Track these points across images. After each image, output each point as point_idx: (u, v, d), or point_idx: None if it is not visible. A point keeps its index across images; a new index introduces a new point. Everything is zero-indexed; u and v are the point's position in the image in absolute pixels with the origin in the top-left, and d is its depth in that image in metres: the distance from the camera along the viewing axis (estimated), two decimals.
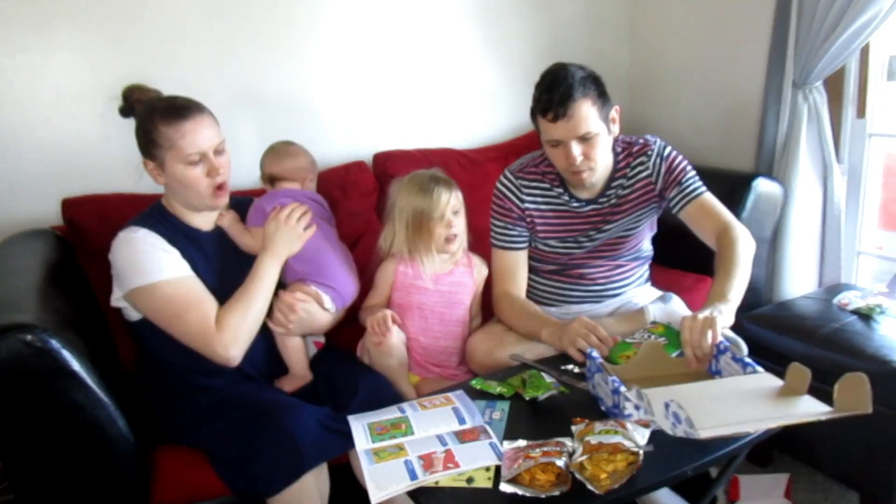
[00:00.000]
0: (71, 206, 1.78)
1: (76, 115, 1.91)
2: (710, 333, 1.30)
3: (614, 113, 1.64)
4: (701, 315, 1.33)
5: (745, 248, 1.54)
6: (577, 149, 1.57)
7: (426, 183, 1.71)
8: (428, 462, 1.15)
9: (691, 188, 1.68)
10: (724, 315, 1.37)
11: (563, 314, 1.81)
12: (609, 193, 1.72)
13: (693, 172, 1.71)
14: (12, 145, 1.86)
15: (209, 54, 2.06)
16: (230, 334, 1.45)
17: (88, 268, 1.70)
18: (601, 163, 1.63)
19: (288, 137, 2.16)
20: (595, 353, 1.33)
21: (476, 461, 1.15)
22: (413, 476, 1.12)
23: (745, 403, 1.15)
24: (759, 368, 1.26)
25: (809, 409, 1.12)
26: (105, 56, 1.92)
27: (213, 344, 1.44)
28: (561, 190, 1.73)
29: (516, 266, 1.77)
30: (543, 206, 1.74)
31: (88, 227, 1.75)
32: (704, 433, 1.01)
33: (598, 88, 1.58)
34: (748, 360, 1.27)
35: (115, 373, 1.52)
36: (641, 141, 1.74)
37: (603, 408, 1.29)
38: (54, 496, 1.33)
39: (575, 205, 1.73)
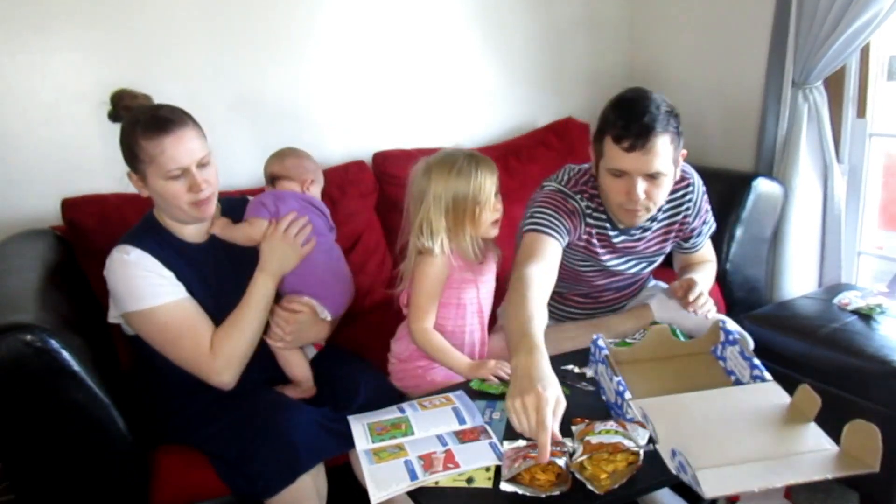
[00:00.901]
0: (71, 207, 1.78)
1: (76, 115, 1.91)
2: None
3: (680, 156, 1.51)
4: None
5: (711, 271, 1.71)
6: (641, 185, 1.42)
7: (464, 164, 1.52)
8: (428, 462, 1.15)
9: (699, 243, 1.73)
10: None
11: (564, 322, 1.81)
12: (642, 225, 1.60)
13: (710, 216, 1.72)
14: (12, 145, 1.86)
15: (209, 54, 2.06)
16: (224, 360, 1.45)
17: (88, 268, 1.70)
18: (659, 205, 1.51)
19: (287, 137, 2.15)
20: (602, 342, 1.31)
21: (476, 461, 1.14)
22: (413, 476, 1.12)
23: (751, 432, 1.11)
24: (767, 375, 1.24)
25: (815, 446, 1.09)
26: (105, 56, 1.92)
27: (207, 370, 1.45)
28: (604, 216, 1.58)
29: (551, 255, 1.45)
30: (591, 228, 1.59)
31: (88, 228, 1.75)
32: (710, 492, 0.99)
33: (677, 127, 1.43)
34: (756, 361, 1.26)
35: (115, 373, 1.52)
36: (679, 174, 1.59)
37: (603, 397, 1.28)
38: (54, 496, 1.33)
39: (611, 233, 1.60)
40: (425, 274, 1.54)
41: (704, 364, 1.35)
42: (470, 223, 1.53)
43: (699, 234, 1.71)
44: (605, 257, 1.62)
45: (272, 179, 1.73)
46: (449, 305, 1.60)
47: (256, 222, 1.57)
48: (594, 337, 1.35)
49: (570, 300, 1.78)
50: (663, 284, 1.83)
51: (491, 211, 1.54)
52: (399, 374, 1.66)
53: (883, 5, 1.89)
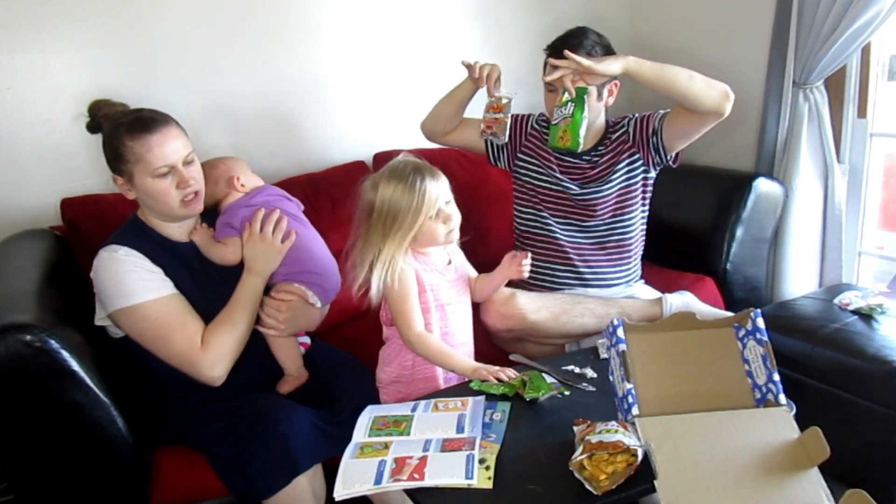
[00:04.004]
0: (70, 206, 1.78)
1: (76, 115, 1.90)
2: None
3: (614, 85, 1.78)
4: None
5: (711, 81, 1.74)
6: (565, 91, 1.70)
7: (411, 178, 1.46)
8: (399, 467, 1.12)
9: (667, 110, 1.79)
10: (607, 61, 1.60)
11: (575, 293, 1.84)
12: (591, 153, 1.85)
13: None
14: (12, 145, 1.86)
15: (208, 54, 2.06)
16: (216, 354, 1.44)
17: (87, 268, 1.69)
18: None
19: (289, 138, 2.15)
20: (620, 331, 1.24)
21: (443, 476, 1.10)
22: (378, 480, 1.09)
23: (751, 475, 1.09)
24: (782, 398, 1.19)
25: (814, 500, 1.09)
26: (105, 55, 1.92)
27: (198, 364, 1.43)
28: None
29: None
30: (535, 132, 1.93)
31: (88, 227, 1.75)
32: None
33: (592, 50, 1.73)
34: (776, 377, 1.20)
35: (114, 373, 1.52)
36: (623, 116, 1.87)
37: (610, 377, 1.25)
38: (54, 496, 1.33)
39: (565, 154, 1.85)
40: (398, 286, 1.47)
41: (723, 340, 1.29)
42: (427, 234, 1.48)
43: (655, 114, 1.81)
44: (557, 173, 1.86)
45: (214, 207, 1.63)
46: (427, 311, 1.53)
47: (231, 241, 1.55)
48: (614, 321, 1.26)
49: (548, 265, 1.87)
50: (677, 299, 1.81)
51: (443, 222, 1.48)
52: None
53: (883, 5, 1.89)
